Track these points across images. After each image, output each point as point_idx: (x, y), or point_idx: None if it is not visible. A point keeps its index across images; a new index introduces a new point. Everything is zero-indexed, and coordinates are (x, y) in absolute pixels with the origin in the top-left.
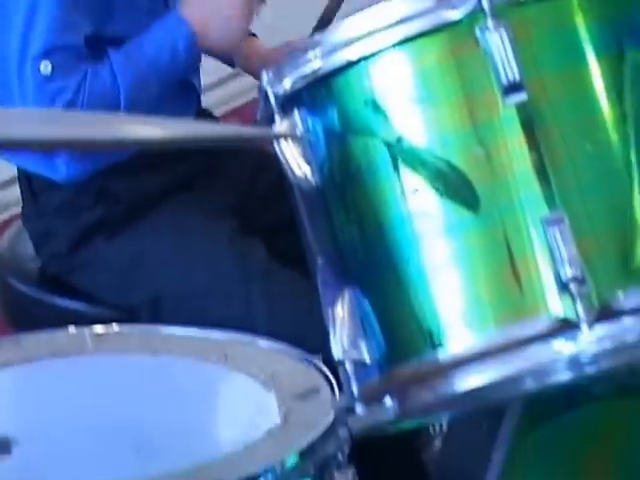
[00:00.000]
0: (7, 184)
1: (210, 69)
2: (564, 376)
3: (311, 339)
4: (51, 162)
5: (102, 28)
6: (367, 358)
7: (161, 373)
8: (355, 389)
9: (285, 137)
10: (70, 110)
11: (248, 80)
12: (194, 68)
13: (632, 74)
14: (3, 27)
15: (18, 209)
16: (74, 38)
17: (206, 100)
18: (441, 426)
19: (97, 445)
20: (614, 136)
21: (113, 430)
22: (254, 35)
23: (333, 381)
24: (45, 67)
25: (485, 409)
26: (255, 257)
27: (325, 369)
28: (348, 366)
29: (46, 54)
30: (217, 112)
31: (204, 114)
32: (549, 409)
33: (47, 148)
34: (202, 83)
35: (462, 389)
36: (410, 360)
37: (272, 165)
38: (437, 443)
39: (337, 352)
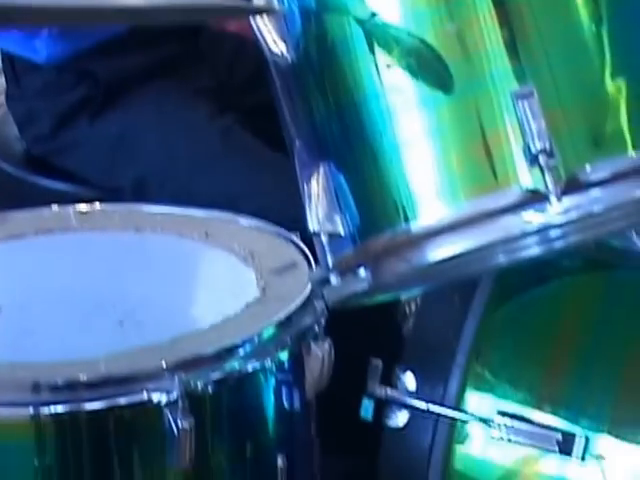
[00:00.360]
0: None
1: None
2: (534, 250)
3: (290, 215)
4: (31, 43)
5: None
6: (342, 231)
7: (144, 249)
8: (330, 261)
9: (262, 12)
10: None
11: None
12: None
13: None
14: None
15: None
16: None
17: None
18: (416, 303)
19: (81, 317)
20: (585, 12)
21: (97, 303)
22: None
23: (310, 257)
24: None
25: (457, 283)
26: (235, 134)
27: (302, 245)
28: (323, 238)
29: None
30: None
31: None
32: (520, 283)
33: (28, 21)
34: None
35: (434, 259)
36: (383, 232)
37: (251, 51)
38: (412, 321)
39: (313, 225)
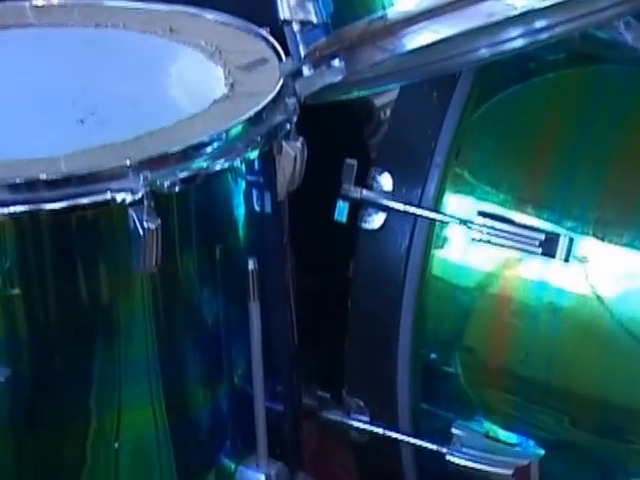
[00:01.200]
0: None
1: None
2: (518, 42)
3: (259, 10)
4: None
5: None
6: (314, 18)
7: (105, 45)
8: (302, 51)
9: None
10: None
11: None
12: None
13: None
14: None
15: None
16: None
17: None
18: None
19: (40, 116)
20: None
21: (56, 101)
22: None
23: (281, 53)
24: None
25: (436, 79)
26: None
27: (273, 40)
28: (295, 27)
29: None
30: None
31: None
32: (501, 80)
33: None
34: None
35: (412, 47)
36: (359, 19)
37: None
38: (385, 128)
39: (283, 13)
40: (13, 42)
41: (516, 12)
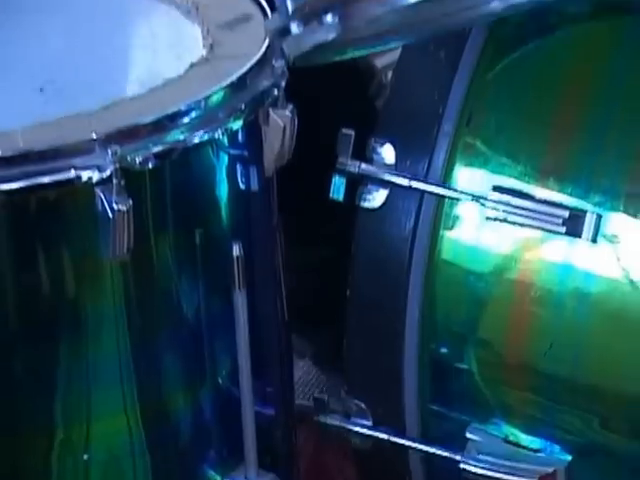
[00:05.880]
0: None
1: None
2: None
3: None
4: None
5: None
6: None
7: (67, 4)
8: (290, 5)
9: None
10: None
11: None
12: None
13: None
14: None
15: None
16: None
17: None
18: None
19: None
20: None
21: (11, 68)
22: None
23: (267, 8)
24: None
25: (443, 36)
26: None
27: None
28: None
29: None
30: None
31: None
32: (517, 35)
33: None
34: None
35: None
36: None
37: None
38: (388, 91)
39: None
40: None
41: None
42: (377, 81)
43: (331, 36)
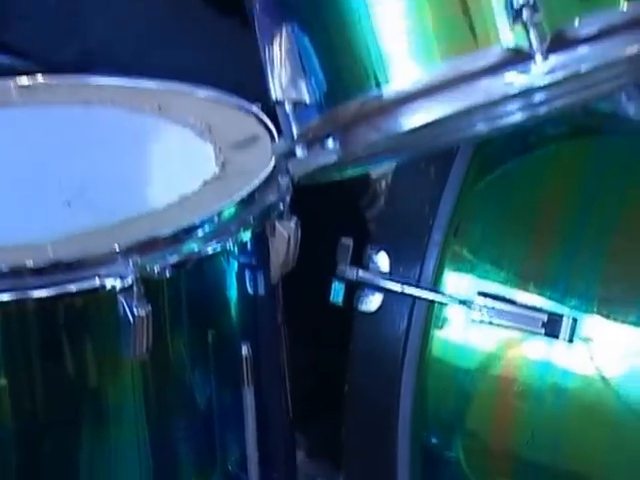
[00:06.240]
0: None
1: None
2: (517, 117)
3: (249, 87)
4: None
5: None
6: (307, 98)
7: (93, 124)
8: (295, 131)
9: None
10: None
11: None
12: None
13: None
14: None
15: None
16: None
17: None
18: (387, 182)
19: (25, 199)
20: None
21: (42, 183)
22: None
23: (273, 129)
24: None
25: (433, 154)
26: (191, 4)
27: (264, 117)
28: (287, 107)
29: None
30: None
31: None
32: (501, 153)
33: None
34: None
35: (408, 127)
36: (353, 98)
37: None
38: (382, 200)
39: (275, 93)
40: None
41: (515, 90)
42: (372, 190)
43: (332, 159)
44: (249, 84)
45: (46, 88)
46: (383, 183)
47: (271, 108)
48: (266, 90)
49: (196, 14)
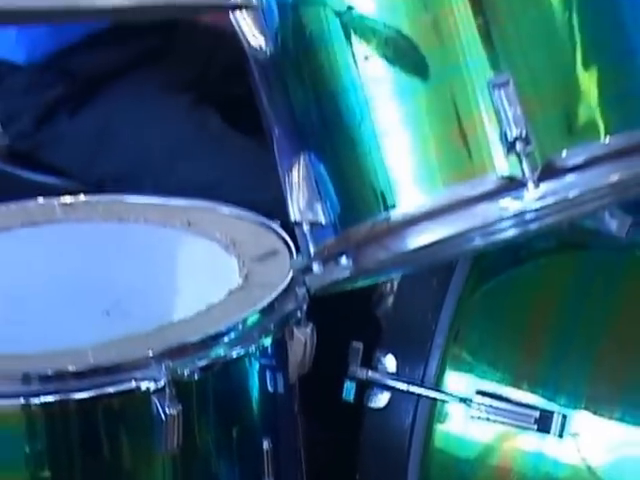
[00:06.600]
0: None
1: None
2: (510, 233)
3: (269, 199)
4: (12, 44)
5: None
6: (323, 219)
7: (127, 239)
8: (312, 249)
9: (240, 7)
10: None
11: None
12: None
13: None
14: None
15: None
16: None
17: None
18: (393, 284)
19: (69, 307)
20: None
21: (83, 293)
22: None
23: (291, 244)
24: None
25: (435, 266)
26: (211, 123)
27: (283, 233)
28: (305, 227)
29: None
30: None
31: None
32: (496, 265)
33: (12, 20)
34: None
35: (413, 246)
36: (364, 220)
37: (228, 43)
38: (390, 300)
39: (294, 214)
40: (42, 238)
41: (509, 214)
42: (379, 292)
43: (345, 274)
44: (268, 198)
45: (86, 206)
46: (389, 285)
47: (289, 222)
48: (285, 206)
49: (220, 132)
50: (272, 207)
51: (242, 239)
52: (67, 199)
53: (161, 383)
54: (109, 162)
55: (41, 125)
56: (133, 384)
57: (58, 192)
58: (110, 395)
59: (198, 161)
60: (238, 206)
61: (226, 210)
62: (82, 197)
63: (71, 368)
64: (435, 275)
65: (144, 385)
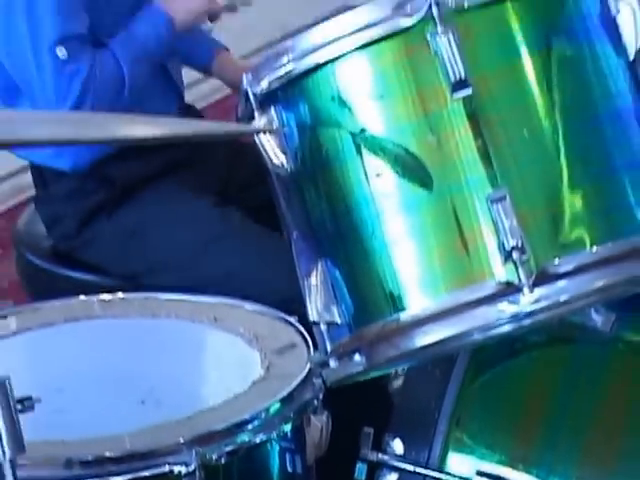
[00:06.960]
0: (22, 170)
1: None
2: (505, 328)
3: (290, 299)
4: (59, 155)
5: (92, 22)
6: (338, 320)
7: (160, 333)
8: (329, 347)
9: (264, 131)
10: (85, 89)
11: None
12: (171, 47)
13: (558, 67)
14: (8, 24)
15: (32, 192)
16: (81, 27)
17: (190, 95)
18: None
19: (107, 397)
20: (545, 122)
21: (121, 384)
22: (226, 49)
23: (308, 338)
24: (61, 52)
25: (438, 359)
26: (235, 219)
27: (301, 328)
28: (322, 327)
29: (60, 41)
30: (200, 104)
31: (188, 108)
32: (493, 357)
33: (53, 145)
34: (186, 81)
35: (420, 344)
36: (375, 321)
37: (249, 152)
38: (399, 381)
39: (312, 315)
40: (83, 333)
41: (506, 316)
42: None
43: (359, 369)
44: (287, 290)
45: (123, 302)
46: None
47: (307, 319)
48: (303, 304)
49: (243, 227)
50: (290, 295)
51: (263, 333)
52: (105, 296)
53: (192, 467)
54: (140, 259)
55: (82, 228)
56: (166, 468)
57: (96, 288)
58: (145, 478)
59: (220, 252)
60: (257, 293)
61: (249, 306)
62: (119, 294)
63: (109, 454)
64: (438, 366)
65: (176, 469)
